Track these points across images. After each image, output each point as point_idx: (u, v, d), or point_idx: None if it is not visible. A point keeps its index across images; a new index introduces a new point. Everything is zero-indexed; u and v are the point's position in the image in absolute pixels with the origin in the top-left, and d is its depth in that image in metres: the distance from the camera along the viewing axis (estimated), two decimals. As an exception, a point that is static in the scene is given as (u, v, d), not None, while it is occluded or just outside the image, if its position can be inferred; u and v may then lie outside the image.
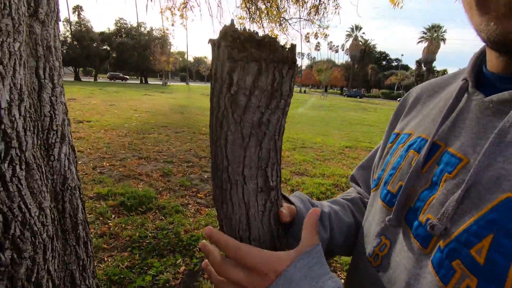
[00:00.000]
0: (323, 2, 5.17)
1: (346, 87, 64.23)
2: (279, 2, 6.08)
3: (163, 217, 2.74)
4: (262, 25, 7.02)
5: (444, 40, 51.39)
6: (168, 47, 38.88)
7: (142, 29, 42.37)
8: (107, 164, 4.13)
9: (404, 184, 0.39)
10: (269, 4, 5.97)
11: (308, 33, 6.92)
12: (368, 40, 66.06)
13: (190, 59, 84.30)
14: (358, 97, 48.79)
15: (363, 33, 66.46)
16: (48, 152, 0.86)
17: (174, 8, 7.26)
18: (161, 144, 5.57)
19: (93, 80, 39.13)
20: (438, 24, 50.92)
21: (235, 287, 0.38)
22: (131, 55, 39.59)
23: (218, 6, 6.66)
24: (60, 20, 0.93)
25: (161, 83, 42.57)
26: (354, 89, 58.04)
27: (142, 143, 5.49)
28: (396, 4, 3.75)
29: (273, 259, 0.36)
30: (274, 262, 0.36)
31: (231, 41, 0.31)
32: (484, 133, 0.33)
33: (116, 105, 11.22)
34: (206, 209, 2.99)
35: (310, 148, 6.20)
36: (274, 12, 6.31)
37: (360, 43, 61.72)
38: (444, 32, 51.09)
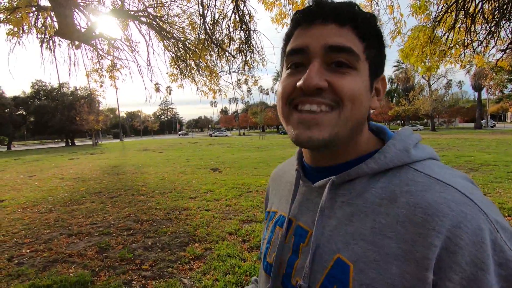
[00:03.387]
0: (254, 59, 5.67)
1: (281, 126, 68.40)
2: (208, 58, 6.48)
3: (102, 304, 2.39)
4: (194, 79, 7.31)
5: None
6: (97, 105, 36.93)
7: (65, 89, 39.81)
8: (28, 250, 3.53)
9: (275, 254, 0.50)
10: (198, 61, 6.30)
11: (239, 80, 7.40)
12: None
13: (123, 114, 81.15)
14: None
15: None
16: None
17: (102, 70, 7.14)
18: (94, 214, 5.02)
19: (5, 149, 34.25)
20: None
21: None
22: (53, 117, 36.35)
23: (147, 65, 6.78)
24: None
25: (91, 143, 39.45)
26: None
27: (71, 217, 4.87)
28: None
29: None
30: None
31: None
32: (316, 210, 0.47)
33: (36, 176, 9.92)
34: (154, 282, 2.72)
35: (256, 191, 6.29)
36: (205, 67, 6.66)
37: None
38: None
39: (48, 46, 5.75)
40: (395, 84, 61.92)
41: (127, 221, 4.57)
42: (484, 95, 44.32)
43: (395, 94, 61.39)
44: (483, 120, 45.31)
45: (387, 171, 0.44)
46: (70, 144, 40.54)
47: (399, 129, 0.51)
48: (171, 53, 6.58)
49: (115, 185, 7.66)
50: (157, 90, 7.63)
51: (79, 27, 4.84)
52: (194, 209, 5.08)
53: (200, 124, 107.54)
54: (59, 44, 5.89)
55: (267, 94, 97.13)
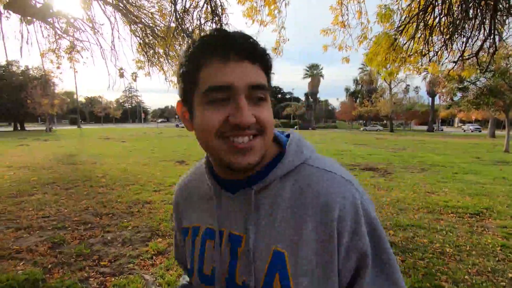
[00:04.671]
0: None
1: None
2: (177, 47, 6.26)
3: (55, 303, 2.25)
4: (162, 68, 7.03)
5: (322, 76, 61.71)
6: (52, 87, 33.97)
7: (15, 68, 36.05)
8: (-34, 246, 3.19)
9: (218, 264, 0.56)
10: (167, 49, 6.05)
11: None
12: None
13: (82, 99, 75.69)
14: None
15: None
16: None
17: (59, 50, 6.57)
18: (47, 206, 4.67)
19: None
20: (316, 64, 61.12)
21: None
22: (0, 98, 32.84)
23: (112, 49, 6.37)
24: None
25: (44, 128, 36.31)
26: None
27: (19, 209, 4.49)
28: (277, 52, 4.54)
29: None
30: None
31: None
32: (243, 217, 0.55)
33: (-22, 163, 8.94)
34: (113, 279, 2.61)
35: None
36: (174, 56, 6.43)
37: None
38: (321, 69, 61.43)
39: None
40: (360, 86, 64.93)
41: (84, 215, 4.31)
42: (437, 101, 48.18)
43: (359, 95, 64.40)
44: (435, 124, 49.31)
45: (291, 170, 0.55)
46: (19, 128, 37.00)
47: (289, 131, 0.62)
48: (138, 38, 6.25)
49: (71, 176, 7.17)
50: (122, 75, 7.21)
51: (34, 1, 4.41)
52: (158, 203, 4.94)
53: (166, 114, 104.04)
54: (7, 17, 5.30)
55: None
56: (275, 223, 0.53)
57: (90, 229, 3.77)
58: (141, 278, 2.59)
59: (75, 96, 58.11)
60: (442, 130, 49.13)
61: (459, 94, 15.82)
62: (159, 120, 70.07)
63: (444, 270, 2.77)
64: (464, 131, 42.28)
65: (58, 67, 6.93)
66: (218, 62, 0.47)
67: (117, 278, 2.63)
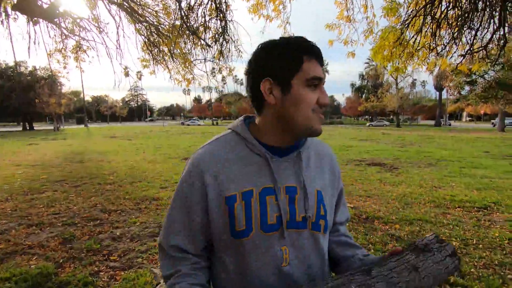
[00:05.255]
0: (229, 49, 5.59)
1: (255, 117, 68.35)
2: (182, 45, 6.29)
3: (67, 296, 2.32)
4: (167, 66, 7.08)
5: (328, 71, 61.36)
6: (59, 87, 34.39)
7: (23, 68, 36.55)
8: (-19, 242, 3.29)
9: (281, 212, 0.70)
10: (172, 47, 6.09)
11: (213, 68, 7.26)
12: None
13: (88, 98, 76.51)
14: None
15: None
16: None
17: (66, 50, 6.66)
18: (57, 203, 4.78)
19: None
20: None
21: None
22: (8, 98, 33.34)
23: (117, 48, 6.42)
24: None
25: (51, 128, 36.86)
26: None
27: (30, 207, 4.59)
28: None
29: None
30: None
31: None
32: (293, 173, 0.75)
33: (-11, 162, 9.14)
34: (123, 273, 2.68)
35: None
36: (179, 54, 6.46)
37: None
38: (327, 65, 61.10)
39: (1, 19, 5.23)
40: (366, 81, 64.30)
41: (93, 211, 4.40)
42: (444, 95, 47.47)
43: (365, 90, 63.80)
44: (442, 119, 48.64)
45: (309, 143, 0.81)
46: (28, 128, 37.61)
47: None
48: (143, 37, 6.29)
49: (80, 173, 7.29)
50: (127, 74, 7.27)
51: (40, 2, 4.46)
52: (165, 199, 5.00)
53: (172, 112, 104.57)
54: (15, 18, 5.37)
55: (241, 84, 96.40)
56: (312, 173, 0.77)
57: (99, 225, 3.85)
58: (150, 272, 2.65)
59: (81, 96, 58.78)
60: (449, 124, 48.41)
61: (466, 88, 15.59)
62: (148, 119, 70.67)
63: (450, 263, 2.76)
64: (494, 125, 36.86)
65: (64, 67, 7.01)
66: (314, 61, 0.70)
67: (126, 272, 2.69)
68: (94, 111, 78.55)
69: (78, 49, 6.40)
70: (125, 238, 3.45)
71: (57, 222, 3.95)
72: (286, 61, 0.69)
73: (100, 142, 16.91)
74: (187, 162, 0.77)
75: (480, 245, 3.16)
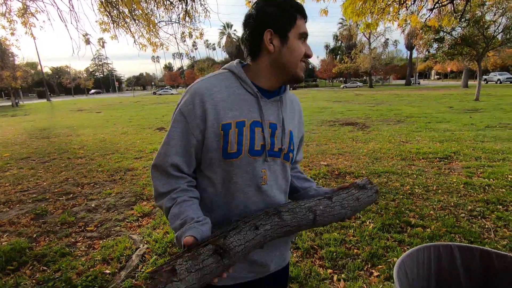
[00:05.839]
0: (195, 9, 5.23)
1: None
2: (144, 5, 5.80)
3: (45, 267, 2.31)
4: (130, 29, 6.56)
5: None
6: (11, 59, 31.18)
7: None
8: None
9: (266, 140, 0.85)
10: (132, 8, 5.61)
11: (183, 33, 6.85)
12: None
13: (47, 70, 70.45)
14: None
15: (235, 30, 70.15)
16: None
17: (11, 14, 5.94)
18: (24, 181, 4.56)
19: None
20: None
21: None
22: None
23: (70, 10, 5.81)
24: None
25: (9, 103, 34.00)
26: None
27: (-5, 186, 4.36)
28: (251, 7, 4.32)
29: None
30: None
31: None
32: (275, 113, 0.89)
33: None
34: (101, 241, 2.68)
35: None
36: (140, 15, 5.99)
37: (234, 39, 65.11)
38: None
39: None
40: (340, 42, 63.81)
41: (65, 186, 4.26)
42: (415, 54, 48.48)
43: (339, 52, 63.56)
44: (412, 78, 50.10)
45: (288, 92, 0.96)
46: (-18, 105, 34.41)
47: None
48: (98, -4, 5.71)
49: (47, 149, 6.93)
50: (87, 42, 6.68)
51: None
52: (140, 169, 4.93)
53: (142, 82, 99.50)
54: None
55: (214, 49, 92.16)
56: (288, 116, 0.93)
57: (73, 199, 3.76)
58: (129, 238, 2.67)
59: (39, 68, 53.89)
60: (419, 83, 50.12)
61: (435, 46, 15.94)
62: (91, 91, 65.12)
63: (412, 208, 3.02)
64: (500, 81, 34.77)
65: (12, 34, 6.31)
66: (303, 19, 0.85)
67: (105, 240, 2.69)
68: (56, 84, 72.87)
69: (24, 11, 5.72)
70: (101, 209, 3.41)
71: (27, 199, 3.81)
72: (285, 16, 0.82)
73: (66, 116, 15.95)
74: (187, 91, 0.85)
75: (439, 190, 3.46)
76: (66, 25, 5.81)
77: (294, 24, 0.82)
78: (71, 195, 3.90)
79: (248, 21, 0.85)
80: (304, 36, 0.84)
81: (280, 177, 0.92)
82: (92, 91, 70.01)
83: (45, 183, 4.41)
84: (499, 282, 0.91)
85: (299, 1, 0.85)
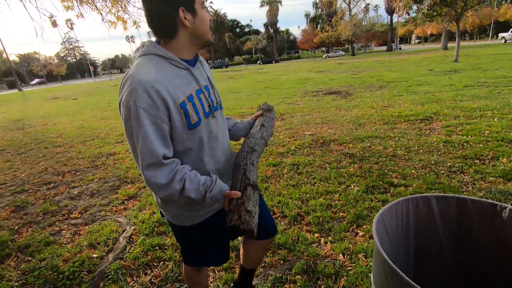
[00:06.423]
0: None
1: (210, 60, 65.02)
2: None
3: (30, 258, 2.25)
4: (95, 5, 6.12)
5: (280, 2, 57.90)
6: (-29, 47, 28.88)
7: None
8: None
9: (210, 102, 1.04)
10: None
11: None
12: (217, 9, 67.42)
13: (14, 58, 66.13)
14: (223, 67, 50.43)
15: (211, 2, 66.96)
16: None
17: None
18: (1, 173, 4.38)
19: None
20: (272, -11, 56.47)
21: None
22: None
23: (25, -13, 5.32)
24: None
25: (-22, 96, 31.95)
26: (218, 60, 59.48)
27: (-31, 181, 4.16)
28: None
29: None
30: None
31: None
32: (203, 76, 1.07)
33: None
34: (86, 227, 2.63)
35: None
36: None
37: (211, 13, 62.36)
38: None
39: None
40: (320, 9, 62.22)
41: (44, 175, 4.12)
42: (395, 18, 47.98)
43: (320, 20, 62.17)
44: (394, 43, 49.95)
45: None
46: None
47: None
48: (55, -31, 5.24)
49: (22, 140, 6.63)
50: (54, 24, 6.20)
51: None
52: (122, 153, 4.80)
53: (118, 64, 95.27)
54: None
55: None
56: (208, 74, 1.10)
57: (54, 188, 3.65)
58: (115, 222, 2.63)
59: (4, 56, 50.38)
60: (400, 48, 50.10)
61: (414, 7, 15.75)
62: (34, 81, 59.65)
63: (395, 169, 3.09)
64: (505, 41, 32.76)
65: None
66: None
67: (90, 226, 2.64)
68: (26, 72, 68.75)
69: (-27, -10, 5.20)
70: (84, 196, 3.33)
71: (5, 192, 3.66)
72: None
73: (40, 106, 15.20)
74: (129, 86, 0.86)
75: (421, 150, 3.54)
76: (24, 4, 5.36)
77: None
78: (52, 184, 3.77)
79: (151, 6, 0.90)
80: (202, 3, 0.95)
81: (222, 123, 1.14)
82: (34, 81, 64.20)
83: (23, 175, 4.24)
84: (472, 225, 0.93)
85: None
